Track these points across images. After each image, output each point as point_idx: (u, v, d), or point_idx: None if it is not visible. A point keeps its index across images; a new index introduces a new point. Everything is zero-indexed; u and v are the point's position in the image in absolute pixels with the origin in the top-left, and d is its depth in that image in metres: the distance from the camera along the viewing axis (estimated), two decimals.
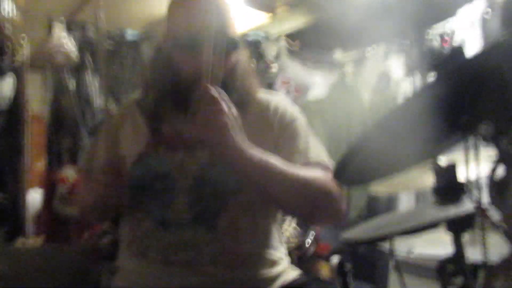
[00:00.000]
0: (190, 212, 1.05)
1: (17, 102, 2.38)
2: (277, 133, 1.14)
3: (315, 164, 1.11)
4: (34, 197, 2.57)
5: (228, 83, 1.04)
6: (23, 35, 2.35)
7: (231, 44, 1.07)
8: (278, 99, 1.22)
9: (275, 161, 1.01)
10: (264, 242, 1.12)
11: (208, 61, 0.98)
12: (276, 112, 1.16)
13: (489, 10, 2.55)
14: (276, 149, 1.09)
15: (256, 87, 1.19)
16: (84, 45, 2.79)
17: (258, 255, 1.10)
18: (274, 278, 1.09)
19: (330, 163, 1.12)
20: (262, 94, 1.21)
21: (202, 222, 1.04)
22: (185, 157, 1.09)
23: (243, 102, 1.09)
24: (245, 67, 1.15)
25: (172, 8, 1.14)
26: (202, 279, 1.02)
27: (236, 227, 1.06)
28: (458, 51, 0.65)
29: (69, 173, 2.42)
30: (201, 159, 1.08)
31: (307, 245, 1.94)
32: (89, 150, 1.31)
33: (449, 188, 0.78)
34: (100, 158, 1.16)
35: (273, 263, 1.11)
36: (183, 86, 1.07)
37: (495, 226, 0.64)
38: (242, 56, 1.15)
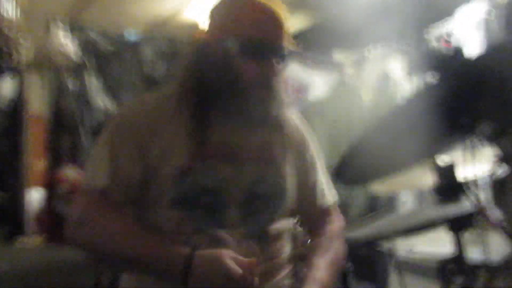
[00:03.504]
0: (243, 227, 1.02)
1: (18, 102, 2.38)
2: (307, 165, 1.15)
3: (331, 211, 1.19)
4: (34, 197, 2.57)
5: (276, 99, 1.04)
6: (24, 36, 2.35)
7: (288, 56, 1.04)
8: (301, 123, 1.21)
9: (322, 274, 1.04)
10: (296, 247, 1.14)
11: (275, 72, 1.00)
12: (305, 141, 1.17)
13: (491, 11, 2.55)
14: (303, 177, 1.14)
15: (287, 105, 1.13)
16: (84, 46, 2.80)
17: (294, 260, 1.12)
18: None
19: (335, 194, 1.20)
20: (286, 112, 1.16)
21: (254, 236, 1.02)
22: (235, 171, 1.03)
23: (281, 120, 1.09)
24: (284, 83, 1.11)
25: (238, 7, 1.03)
26: None
27: (280, 237, 1.07)
28: (458, 51, 0.65)
29: (69, 173, 2.42)
30: (250, 173, 1.04)
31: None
32: (102, 162, 1.02)
33: (449, 187, 0.78)
34: (123, 172, 1.00)
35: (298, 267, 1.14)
36: (239, 93, 1.00)
37: (495, 225, 0.64)
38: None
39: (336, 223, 1.19)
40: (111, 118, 1.10)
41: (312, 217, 1.18)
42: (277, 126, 1.08)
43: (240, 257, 0.91)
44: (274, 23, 1.01)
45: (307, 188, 1.16)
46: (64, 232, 1.00)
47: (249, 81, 0.99)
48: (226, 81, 1.00)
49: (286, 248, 1.09)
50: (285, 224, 1.10)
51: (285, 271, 1.08)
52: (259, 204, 1.04)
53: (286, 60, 1.04)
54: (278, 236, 1.07)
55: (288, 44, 1.03)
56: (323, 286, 1.02)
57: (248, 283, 0.88)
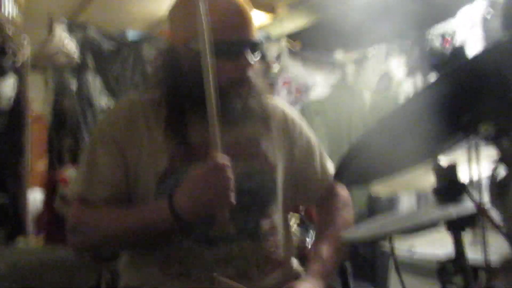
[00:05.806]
0: (234, 225, 1.01)
1: (19, 102, 2.38)
2: (299, 150, 1.15)
3: (331, 188, 1.17)
4: (35, 197, 2.57)
5: (255, 92, 1.05)
6: (25, 35, 2.35)
7: (259, 46, 1.04)
8: (288, 108, 1.21)
9: (326, 257, 1.05)
10: (291, 241, 1.15)
11: (250, 66, 1.00)
12: (294, 125, 1.17)
13: (490, 10, 2.55)
14: (297, 165, 1.14)
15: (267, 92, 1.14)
16: (85, 45, 2.80)
17: (290, 255, 1.13)
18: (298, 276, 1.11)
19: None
20: (271, 100, 1.16)
21: (246, 233, 1.02)
22: None
23: (264, 110, 1.09)
24: (258, 71, 1.10)
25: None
26: None
27: (274, 232, 1.07)
28: (459, 51, 0.65)
29: (70, 173, 2.42)
30: (236, 170, 1.00)
31: (307, 244, 1.94)
32: (86, 168, 1.05)
33: (449, 188, 0.77)
34: (104, 177, 1.01)
35: (295, 262, 1.15)
36: (218, 93, 0.97)
37: (495, 226, 0.64)
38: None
39: (341, 194, 1.18)
40: (94, 126, 1.15)
41: (317, 196, 1.18)
42: (261, 118, 1.09)
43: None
44: (241, 18, 1.00)
45: (305, 171, 1.15)
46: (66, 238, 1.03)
47: (226, 80, 0.98)
48: (202, 85, 0.96)
49: (281, 244, 1.08)
50: (278, 219, 1.09)
51: (281, 267, 1.07)
52: (248, 201, 1.02)
53: (258, 51, 1.04)
54: (271, 231, 1.06)
55: (256, 35, 1.02)
56: (328, 265, 1.03)
57: (221, 167, 0.89)
